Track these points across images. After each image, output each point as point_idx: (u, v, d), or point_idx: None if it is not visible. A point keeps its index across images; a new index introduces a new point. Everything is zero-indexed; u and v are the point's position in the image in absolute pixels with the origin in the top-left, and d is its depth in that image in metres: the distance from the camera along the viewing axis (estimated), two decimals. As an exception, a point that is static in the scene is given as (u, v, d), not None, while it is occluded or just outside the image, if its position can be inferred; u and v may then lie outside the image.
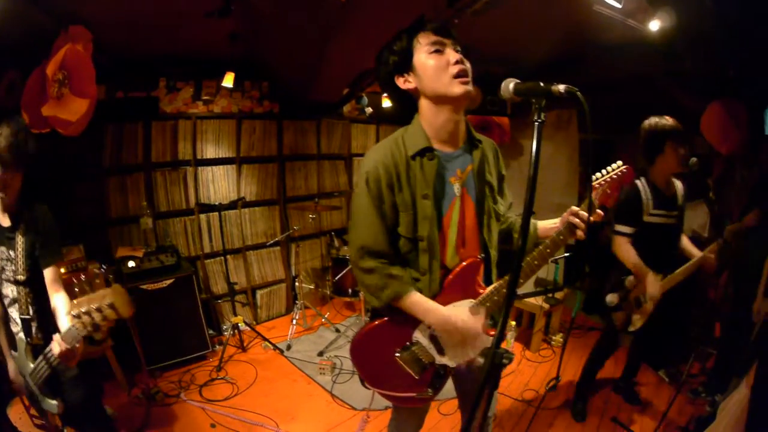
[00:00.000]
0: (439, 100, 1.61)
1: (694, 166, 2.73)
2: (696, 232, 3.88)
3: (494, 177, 1.82)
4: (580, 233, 1.59)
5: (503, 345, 1.62)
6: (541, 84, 1.18)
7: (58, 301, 2.00)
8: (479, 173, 1.74)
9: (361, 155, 6.15)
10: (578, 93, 1.15)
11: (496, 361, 1.20)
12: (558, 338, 4.47)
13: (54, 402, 1.96)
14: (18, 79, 2.84)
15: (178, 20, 3.50)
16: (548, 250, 1.63)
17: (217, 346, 4.30)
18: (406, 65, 1.63)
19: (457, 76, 1.56)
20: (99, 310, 1.51)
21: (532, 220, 1.84)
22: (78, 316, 1.52)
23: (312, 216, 4.81)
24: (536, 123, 1.14)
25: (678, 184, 2.88)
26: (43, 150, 2.03)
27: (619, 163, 1.71)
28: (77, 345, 1.73)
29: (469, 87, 1.58)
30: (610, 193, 1.70)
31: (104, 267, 3.55)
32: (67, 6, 2.83)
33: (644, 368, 3.74)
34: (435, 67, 1.57)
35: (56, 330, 1.78)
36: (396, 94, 1.72)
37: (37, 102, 2.75)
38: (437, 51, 1.58)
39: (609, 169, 1.70)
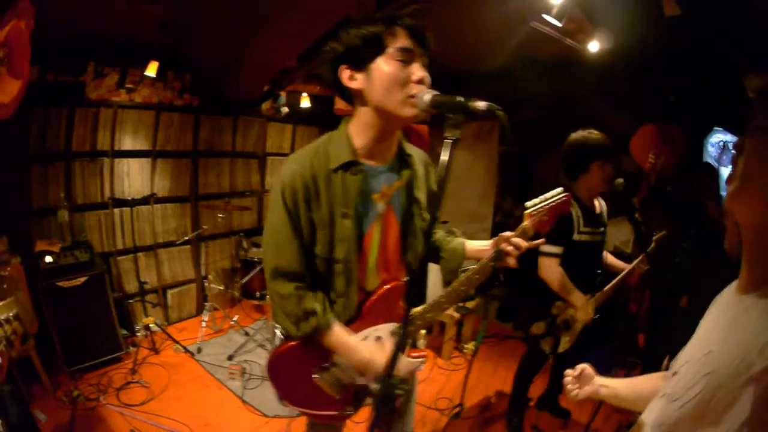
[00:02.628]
0: (382, 113, 1.41)
1: (619, 187, 2.70)
2: (618, 247, 4.10)
3: (423, 193, 1.65)
4: (511, 260, 1.52)
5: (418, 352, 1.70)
6: (461, 99, 1.10)
7: None
8: (407, 190, 1.60)
9: (276, 155, 6.19)
10: (499, 111, 1.07)
11: (390, 390, 1.16)
12: (470, 346, 4.52)
13: None
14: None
15: (112, 1, 3.36)
16: (476, 276, 1.56)
17: (131, 348, 4.14)
18: (361, 60, 1.38)
19: (414, 96, 1.35)
20: (8, 321, 1.37)
21: (461, 239, 1.77)
22: None
23: (221, 215, 4.75)
24: (449, 141, 1.07)
25: (600, 202, 2.83)
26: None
27: (560, 189, 1.64)
28: None
29: (419, 112, 1.38)
30: (546, 220, 1.62)
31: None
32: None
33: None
34: (394, 79, 1.34)
35: None
36: (336, 84, 1.47)
37: (-22, 83, 2.51)
38: (404, 61, 1.35)
39: (548, 195, 1.62)
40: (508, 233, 1.54)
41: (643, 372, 3.70)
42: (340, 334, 1.52)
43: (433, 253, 1.82)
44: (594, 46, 3.31)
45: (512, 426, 3.27)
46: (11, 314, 1.37)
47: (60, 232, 3.91)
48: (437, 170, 1.10)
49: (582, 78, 3.85)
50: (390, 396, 1.16)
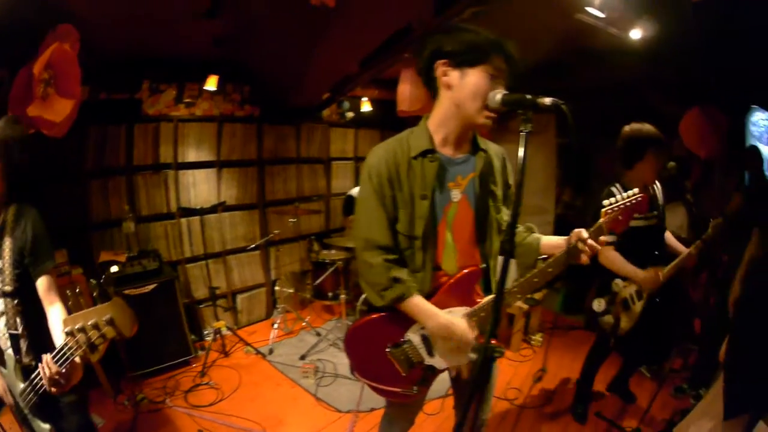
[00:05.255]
0: (460, 111, 1.61)
1: (672, 170, 2.83)
2: (674, 233, 3.93)
3: (499, 186, 1.80)
4: (584, 258, 1.59)
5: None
6: (528, 96, 1.29)
7: (54, 314, 1.84)
8: (482, 182, 1.74)
9: (341, 159, 6.25)
10: (563, 106, 1.24)
11: (487, 354, 1.27)
12: (537, 338, 4.58)
13: (46, 426, 1.78)
14: (5, 78, 2.75)
15: (163, 21, 3.46)
16: (550, 270, 1.64)
17: (200, 352, 4.26)
18: (460, 61, 1.56)
19: (489, 109, 1.55)
20: (96, 327, 1.37)
21: (536, 235, 1.87)
22: (71, 333, 1.38)
23: (292, 220, 4.81)
24: (523, 133, 1.24)
25: (656, 186, 2.90)
26: (27, 152, 1.91)
27: (636, 190, 1.69)
28: (70, 368, 1.53)
29: (490, 123, 1.59)
30: (621, 220, 1.68)
31: (93, 281, 3.42)
32: (57, 3, 2.77)
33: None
34: (482, 89, 1.53)
35: (50, 349, 1.55)
36: (427, 72, 1.67)
37: (23, 102, 2.67)
38: (493, 77, 1.54)
39: (624, 195, 1.68)
40: (584, 233, 1.61)
41: (699, 358, 3.51)
42: (421, 301, 1.67)
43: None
44: (636, 34, 3.35)
45: (577, 414, 3.35)
46: (105, 318, 1.37)
47: (126, 243, 4.09)
48: (516, 163, 1.24)
49: (628, 66, 3.81)
50: (487, 361, 1.28)
